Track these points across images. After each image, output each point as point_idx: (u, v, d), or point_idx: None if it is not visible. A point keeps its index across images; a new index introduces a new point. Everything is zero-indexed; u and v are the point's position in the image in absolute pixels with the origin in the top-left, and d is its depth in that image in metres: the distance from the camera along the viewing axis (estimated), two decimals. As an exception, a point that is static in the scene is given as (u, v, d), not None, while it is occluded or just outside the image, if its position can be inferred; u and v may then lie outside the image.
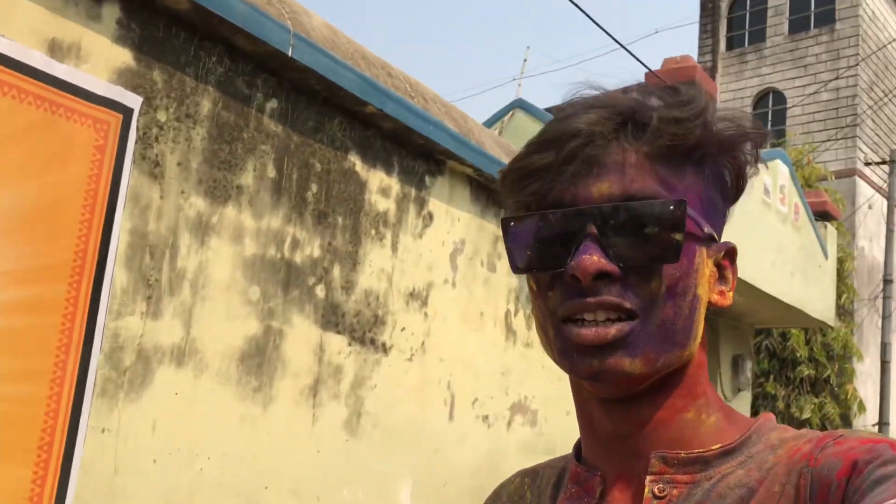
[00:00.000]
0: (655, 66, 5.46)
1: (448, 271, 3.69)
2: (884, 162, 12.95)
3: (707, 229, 0.67)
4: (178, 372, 2.47)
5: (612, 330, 0.63)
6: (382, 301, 3.30)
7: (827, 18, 14.26)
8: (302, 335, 2.91)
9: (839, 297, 11.98)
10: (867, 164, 13.39)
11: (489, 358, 3.96)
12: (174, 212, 2.48)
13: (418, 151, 3.50)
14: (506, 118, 5.61)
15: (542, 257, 0.67)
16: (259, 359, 2.75)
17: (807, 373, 11.61)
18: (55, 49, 2.18)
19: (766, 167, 6.18)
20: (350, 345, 3.13)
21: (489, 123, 5.56)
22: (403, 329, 3.41)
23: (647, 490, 0.65)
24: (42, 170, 2.14)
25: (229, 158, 2.66)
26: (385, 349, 3.31)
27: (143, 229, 2.39)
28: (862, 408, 12.11)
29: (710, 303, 0.69)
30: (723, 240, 0.73)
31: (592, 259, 0.63)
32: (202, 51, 2.58)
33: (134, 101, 2.37)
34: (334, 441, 3.04)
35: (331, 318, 3.04)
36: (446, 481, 3.62)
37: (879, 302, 12.68)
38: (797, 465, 0.62)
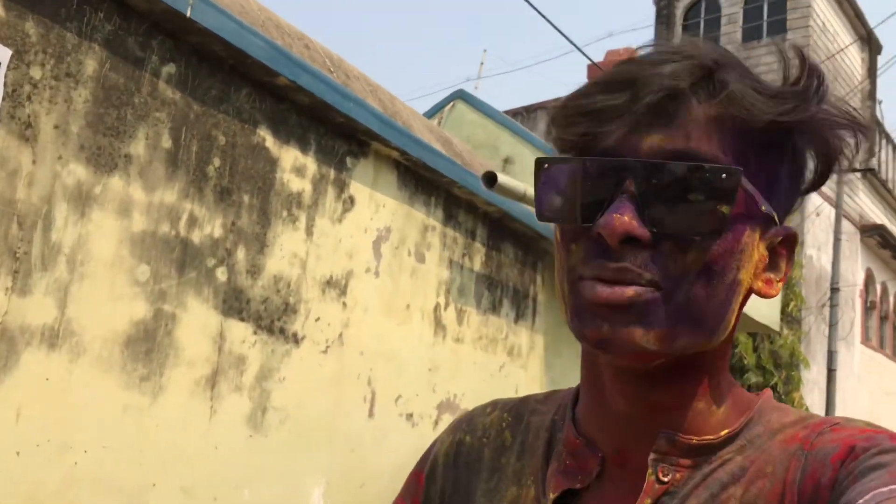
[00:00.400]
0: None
1: (370, 259, 3.49)
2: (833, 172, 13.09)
3: (765, 208, 0.61)
4: (49, 355, 2.24)
5: (630, 291, 0.57)
6: (294, 288, 3.09)
7: (779, 28, 14.37)
8: (199, 321, 2.69)
9: (787, 304, 12.04)
10: (816, 173, 13.52)
11: (415, 353, 3.76)
12: (49, 179, 2.25)
13: (338, 130, 3.30)
14: (446, 109, 5.44)
15: (571, 208, 0.61)
16: (148, 344, 2.52)
17: (754, 380, 11.63)
18: None
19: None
20: (255, 333, 2.91)
21: (430, 114, 5.39)
22: (318, 319, 3.21)
23: (649, 471, 0.62)
24: None
25: (117, 124, 2.44)
26: (296, 340, 3.10)
27: (9, 196, 2.15)
28: (808, 415, 12.18)
29: (752, 290, 0.63)
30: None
31: (623, 219, 0.56)
32: (87, 5, 2.36)
33: (2, 54, 2.14)
34: (235, 437, 2.82)
35: (233, 303, 2.83)
36: (364, 482, 3.41)
37: (826, 310, 12.77)
38: (792, 448, 0.60)
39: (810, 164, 0.65)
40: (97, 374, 2.36)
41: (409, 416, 3.72)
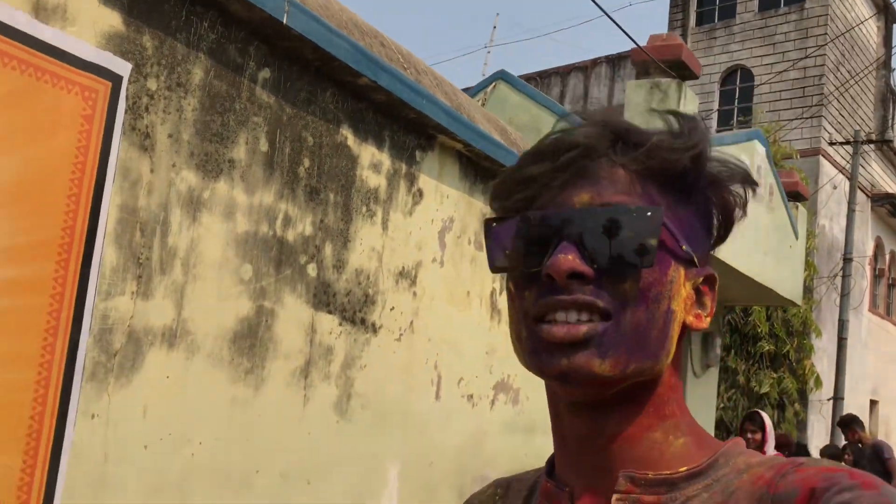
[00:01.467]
0: (626, 40, 5.40)
1: (436, 249, 3.61)
2: (847, 142, 13.14)
3: (685, 247, 0.68)
4: (169, 354, 2.36)
5: (584, 328, 0.64)
6: (373, 280, 3.22)
7: (796, -4, 14.32)
8: (294, 315, 2.81)
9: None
10: (831, 144, 13.57)
11: (474, 337, 3.90)
12: (165, 186, 2.35)
13: (410, 125, 3.40)
14: (488, 89, 5.51)
15: (519, 257, 0.69)
16: (251, 339, 2.65)
17: (767, 348, 11.84)
18: (39, 10, 2.03)
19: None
20: (341, 325, 3.04)
21: (472, 93, 5.46)
22: (392, 308, 3.33)
23: None
24: (27, 141, 2.00)
25: (221, 130, 2.54)
26: (375, 329, 3.23)
27: (132, 205, 2.26)
28: (819, 383, 12.41)
29: (685, 324, 0.70)
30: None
31: (567, 258, 0.64)
32: (194, 16, 2.44)
33: (123, 67, 2.23)
34: (325, 423, 2.97)
35: (322, 297, 2.95)
36: (432, 461, 3.57)
37: (838, 280, 12.93)
38: (758, 491, 0.63)
39: (715, 221, 0.73)
40: (209, 370, 2.49)
41: (470, 397, 3.87)
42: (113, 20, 2.20)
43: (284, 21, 2.60)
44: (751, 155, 6.20)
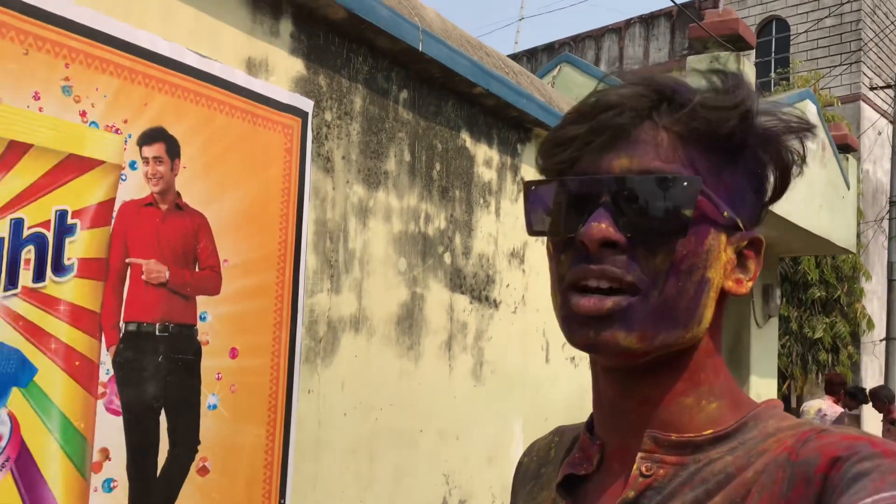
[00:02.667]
0: (661, 3, 5.69)
1: (539, 230, 4.07)
2: (888, 86, 13.25)
3: (727, 214, 0.67)
4: (355, 338, 2.86)
5: (609, 302, 0.64)
6: (491, 262, 3.69)
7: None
8: (437, 298, 3.30)
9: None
10: (872, 88, 13.69)
11: (572, 304, 4.37)
12: (343, 200, 2.84)
13: (512, 123, 3.84)
14: (554, 72, 5.90)
15: (556, 222, 0.69)
16: (409, 321, 3.14)
17: (818, 294, 12.15)
18: (251, 66, 2.51)
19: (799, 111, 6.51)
20: (471, 303, 3.53)
21: (539, 76, 5.86)
22: (508, 285, 3.81)
23: (635, 467, 0.68)
24: (251, 174, 2.49)
25: (377, 148, 3.01)
26: (496, 304, 3.71)
27: (323, 218, 2.75)
28: (871, 325, 12.70)
29: (724, 289, 0.69)
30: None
31: (600, 227, 0.64)
32: (351, 52, 2.90)
33: (307, 105, 2.70)
34: (465, 387, 3.47)
35: (456, 280, 3.43)
36: (547, 417, 4.07)
37: (885, 223, 13.15)
38: (779, 457, 0.63)
39: (771, 178, 0.71)
40: (383, 349, 2.99)
41: (572, 359, 4.35)
42: (298, 66, 2.67)
43: (420, 48, 3.05)
44: (803, 114, 6.53)
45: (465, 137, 3.53)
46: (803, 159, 0.70)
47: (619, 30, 16.57)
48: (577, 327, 0.67)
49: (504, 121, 3.79)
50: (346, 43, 2.88)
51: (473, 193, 3.58)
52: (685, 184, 0.64)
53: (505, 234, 3.80)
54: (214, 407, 2.35)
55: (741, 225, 0.68)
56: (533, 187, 0.72)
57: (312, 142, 2.71)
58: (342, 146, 2.85)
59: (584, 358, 4.45)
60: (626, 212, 0.65)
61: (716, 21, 5.29)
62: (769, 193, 0.72)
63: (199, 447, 2.29)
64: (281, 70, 2.61)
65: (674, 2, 5.30)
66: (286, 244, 2.60)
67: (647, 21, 16.25)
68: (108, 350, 2.08)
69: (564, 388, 4.26)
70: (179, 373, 2.26)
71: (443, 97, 3.37)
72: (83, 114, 2.04)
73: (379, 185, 3.01)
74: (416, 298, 3.19)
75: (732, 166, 0.68)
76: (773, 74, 13.88)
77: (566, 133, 0.69)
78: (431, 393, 3.25)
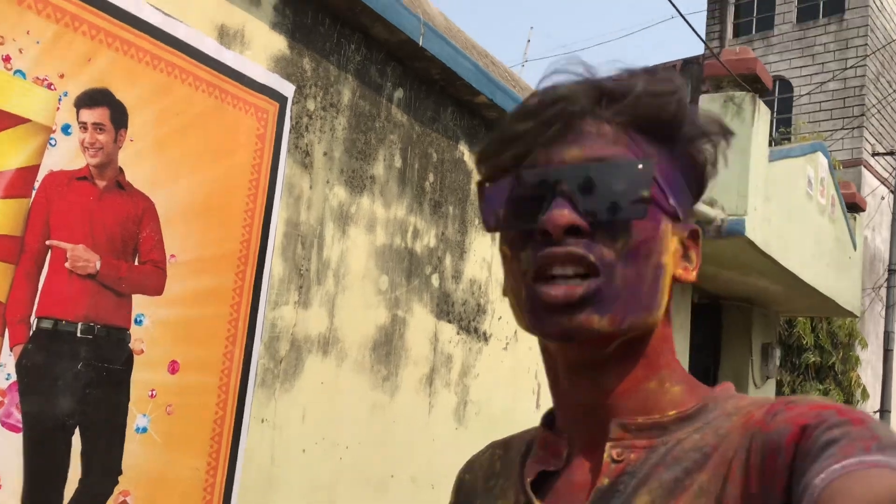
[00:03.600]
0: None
1: (537, 260, 3.71)
2: (891, 153, 13.12)
3: (672, 202, 0.69)
4: (323, 361, 2.48)
5: (580, 289, 0.64)
6: (484, 290, 3.32)
7: (836, 8, 14.34)
8: (420, 324, 2.92)
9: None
10: (874, 155, 13.56)
11: (568, 346, 3.99)
12: (321, 202, 2.47)
13: (516, 141, 3.51)
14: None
15: (514, 215, 0.68)
16: (387, 348, 2.75)
17: (812, 360, 11.78)
18: (223, 35, 2.16)
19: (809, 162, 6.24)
20: (458, 333, 3.15)
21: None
22: (500, 318, 3.43)
23: (605, 454, 0.67)
24: (214, 159, 2.12)
25: (364, 148, 2.66)
26: (486, 338, 3.33)
27: (295, 219, 2.38)
28: (865, 395, 12.34)
29: (674, 276, 0.71)
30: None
31: (563, 213, 0.64)
32: (343, 38, 2.57)
33: (288, 89, 2.35)
34: (445, 429, 3.07)
35: (443, 306, 3.05)
36: (534, 468, 3.66)
37: (882, 291, 12.88)
38: (750, 430, 0.63)
39: (704, 173, 0.72)
40: (354, 377, 2.60)
41: (565, 406, 3.96)
42: (280, 44, 2.33)
43: (420, 43, 2.72)
44: (815, 166, 6.25)
45: (464, 150, 3.18)
46: (715, 159, 0.72)
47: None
48: (547, 316, 0.66)
49: (507, 137, 3.45)
50: (338, 26, 2.54)
51: (468, 212, 3.22)
52: (640, 166, 0.66)
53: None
54: (144, 430, 1.95)
55: (681, 215, 0.70)
56: (486, 185, 0.71)
57: (290, 131, 2.36)
58: (325, 141, 2.49)
59: (577, 406, 4.06)
60: (585, 198, 0.66)
61: (733, 59, 5.02)
62: (694, 189, 0.73)
63: (119, 478, 1.89)
64: (259, 45, 2.27)
65: (713, 52, 4.99)
66: (249, 244, 2.22)
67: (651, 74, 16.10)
68: (10, 350, 1.69)
69: (554, 437, 3.85)
70: (103, 385, 1.86)
71: (442, 102, 3.04)
72: (6, 59, 1.68)
73: (364, 189, 2.65)
74: (397, 322, 2.80)
75: (671, 157, 0.69)
76: (775, 134, 13.74)
77: (514, 129, 0.69)
78: (407, 433, 2.85)
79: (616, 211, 0.65)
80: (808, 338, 11.59)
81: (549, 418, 0.77)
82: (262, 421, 2.27)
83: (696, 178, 0.72)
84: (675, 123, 0.68)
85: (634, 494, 0.64)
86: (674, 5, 5.20)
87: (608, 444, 0.67)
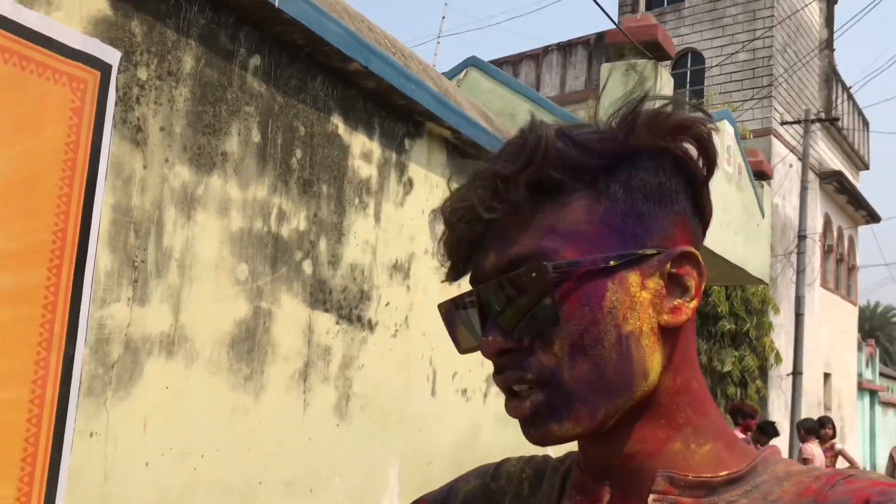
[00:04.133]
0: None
1: (428, 241, 3.49)
2: (799, 121, 13.36)
3: (614, 254, 0.62)
4: (168, 363, 2.20)
5: (527, 405, 0.63)
6: (367, 275, 3.08)
7: (744, -22, 14.49)
8: (291, 315, 2.67)
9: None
10: (783, 123, 13.79)
11: (466, 329, 3.79)
12: (159, 183, 2.19)
13: (398, 112, 3.26)
14: (460, 76, 5.39)
15: (465, 337, 0.69)
16: (249, 343, 2.50)
17: (728, 327, 12.01)
18: (21, -7, 1.85)
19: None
20: (338, 323, 2.91)
21: (444, 82, 5.33)
22: (388, 304, 3.21)
23: None
24: (13, 136, 1.82)
25: (213, 122, 2.37)
26: (371, 326, 3.10)
27: (126, 204, 2.09)
28: (778, 359, 12.65)
29: (660, 326, 0.63)
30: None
31: (488, 340, 0.63)
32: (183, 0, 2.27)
33: (112, 56, 2.05)
34: (325, 427, 2.83)
35: (318, 295, 2.81)
36: (430, 459, 3.47)
37: (793, 257, 13.17)
38: (805, 500, 0.59)
39: (674, 185, 0.64)
40: (209, 378, 2.34)
41: (464, 391, 3.77)
42: (100, 4, 2.02)
43: (276, 4, 2.45)
44: (721, 135, 6.21)
45: (338, 123, 2.92)
46: (709, 147, 0.65)
47: (536, 56, 16.31)
48: (521, 427, 0.65)
49: (389, 109, 3.21)
50: (175, -16, 2.25)
51: (346, 191, 2.97)
52: (532, 274, 0.61)
53: (386, 242, 3.21)
54: (-71, 458, 1.66)
55: (652, 249, 0.62)
56: (442, 310, 0.72)
57: (117, 104, 2.06)
58: (162, 114, 2.20)
59: (476, 391, 3.88)
60: (500, 318, 0.63)
61: (634, 26, 4.87)
62: (680, 201, 0.65)
63: None
64: (72, 5, 1.96)
65: (612, 20, 4.84)
66: (66, 234, 1.93)
67: (565, 49, 16.06)
68: None
69: (453, 424, 3.66)
70: None
71: (309, 71, 2.77)
72: None
73: (213, 168, 2.37)
74: (261, 315, 2.55)
75: (603, 197, 0.62)
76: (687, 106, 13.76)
77: (445, 242, 0.69)
78: (276, 435, 2.60)
79: (532, 325, 0.62)
80: (722, 306, 11.80)
81: (577, 453, 0.73)
82: (91, 435, 1.99)
83: (670, 191, 0.63)
84: (581, 168, 0.62)
85: None
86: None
87: (651, 498, 0.63)
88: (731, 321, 11.93)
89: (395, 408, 3.24)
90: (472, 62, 5.42)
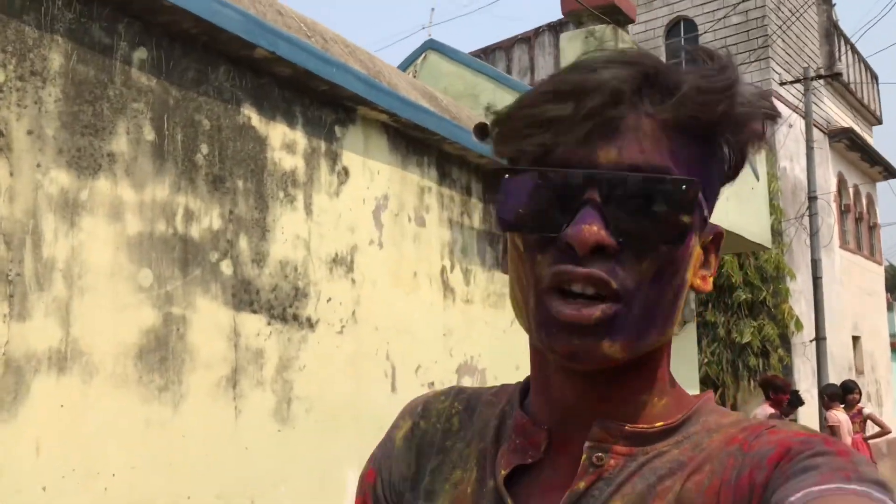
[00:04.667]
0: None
1: (373, 230, 3.33)
2: (798, 80, 13.02)
3: (706, 213, 0.64)
4: (60, 381, 2.07)
5: (597, 311, 0.60)
6: (302, 271, 2.93)
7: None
8: (210, 320, 2.53)
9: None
10: (782, 83, 13.44)
11: (428, 320, 3.64)
12: (30, 191, 2.05)
13: (323, 99, 3.11)
14: (419, 61, 5.23)
15: (536, 218, 0.62)
16: (161, 353, 2.35)
17: (744, 297, 11.71)
18: None
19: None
20: (269, 324, 2.76)
21: (402, 67, 5.17)
22: (330, 300, 3.06)
23: (584, 456, 0.64)
24: None
25: (94, 122, 2.24)
26: (311, 324, 2.95)
27: (-9, 215, 1.96)
28: (799, 325, 12.32)
29: (691, 286, 0.66)
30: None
31: (592, 230, 0.59)
32: (43, -7, 2.14)
33: (-42, 58, 1.92)
34: (263, 434, 2.68)
35: (243, 296, 2.66)
36: (396, 459, 3.31)
37: (806, 220, 12.83)
38: (730, 448, 0.62)
39: (735, 165, 0.66)
40: (112, 392, 2.20)
41: (431, 384, 3.61)
42: (-64, 4, 1.90)
43: (154, -9, 2.31)
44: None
45: (250, 114, 2.78)
46: (763, 140, 0.65)
47: (528, 39, 16.07)
48: (557, 333, 0.61)
49: (311, 96, 3.06)
50: (32, -22, 2.12)
51: (268, 185, 2.82)
52: (684, 187, 0.60)
53: (322, 235, 3.05)
54: None
55: (707, 219, 0.65)
56: (507, 175, 0.63)
57: (-31, 109, 1.93)
58: (28, 117, 2.07)
59: (445, 383, 3.71)
60: (618, 214, 0.60)
61: (594, -7, 4.68)
62: (725, 179, 0.67)
63: None
64: None
65: None
66: (-84, 252, 1.80)
67: (556, 28, 15.80)
68: None
69: (421, 421, 3.50)
70: None
71: (208, 60, 2.62)
72: None
73: (99, 170, 2.23)
74: (173, 322, 2.40)
75: (707, 155, 0.63)
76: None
77: (544, 112, 0.61)
78: (204, 446, 2.46)
79: (651, 233, 0.60)
80: (736, 276, 11.49)
81: (524, 393, 0.73)
82: (-30, 464, 1.86)
83: (732, 169, 0.66)
84: (720, 123, 0.61)
85: (608, 502, 0.63)
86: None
87: (587, 445, 0.65)
88: (746, 291, 11.61)
89: (348, 408, 3.08)
90: (430, 45, 5.26)
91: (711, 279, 0.68)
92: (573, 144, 0.61)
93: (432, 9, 17.58)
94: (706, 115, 0.61)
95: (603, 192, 0.59)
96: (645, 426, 0.65)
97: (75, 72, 2.19)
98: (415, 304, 3.55)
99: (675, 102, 0.60)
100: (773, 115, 0.65)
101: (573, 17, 4.79)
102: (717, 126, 0.62)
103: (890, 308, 20.65)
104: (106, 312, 2.20)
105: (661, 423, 0.65)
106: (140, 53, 2.39)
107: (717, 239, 0.68)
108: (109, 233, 2.24)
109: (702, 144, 0.62)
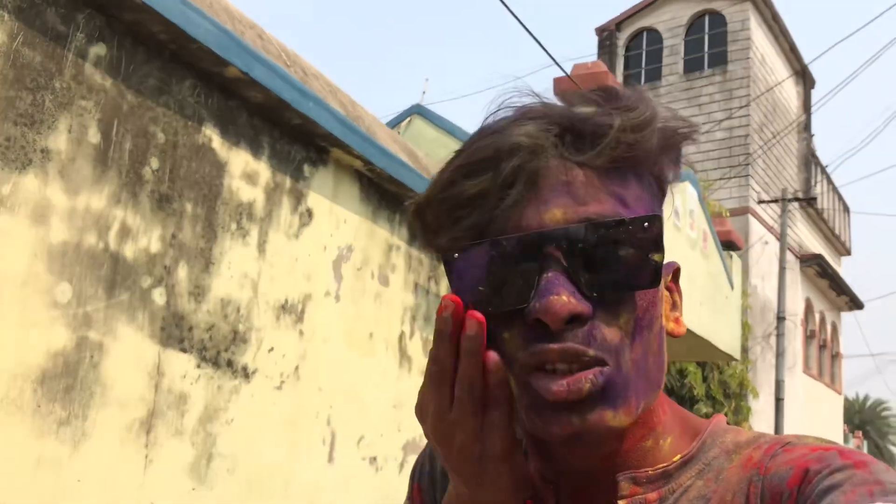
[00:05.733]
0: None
1: (331, 282, 3.08)
2: (776, 200, 13.17)
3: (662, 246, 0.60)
4: (-65, 396, 1.76)
5: (586, 384, 0.55)
6: (245, 314, 2.66)
7: (720, 60, 14.54)
8: (131, 352, 2.24)
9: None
10: (760, 202, 13.60)
11: (379, 388, 3.35)
12: (-60, 173, 1.80)
13: (295, 133, 2.91)
14: (403, 124, 5.09)
15: (497, 293, 0.57)
16: (68, 380, 2.06)
17: (704, 410, 11.48)
18: None
19: (674, 192, 5.89)
20: (199, 367, 2.47)
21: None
22: (272, 350, 2.78)
23: None
24: None
25: (32, 111, 2.00)
26: (247, 374, 2.66)
27: None
28: (758, 445, 12.09)
29: (667, 332, 0.63)
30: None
31: (562, 300, 0.54)
32: (-5, -35, 1.93)
33: None
34: (175, 490, 2.36)
35: (173, 331, 2.38)
36: (324, 537, 2.97)
37: (772, 340, 12.76)
38: (748, 473, 0.60)
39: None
40: (4, 420, 1.89)
41: (373, 459, 3.29)
42: None
43: (122, -16, 2.11)
44: (684, 198, 5.89)
45: (212, 135, 2.56)
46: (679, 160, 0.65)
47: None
48: (552, 415, 0.57)
49: (282, 128, 2.85)
50: (-14, -54, 1.91)
51: (220, 214, 2.58)
52: (646, 224, 0.56)
53: (273, 278, 2.80)
54: None
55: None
56: (455, 257, 0.59)
57: None
58: (-48, 92, 1.83)
59: (389, 460, 3.40)
60: (584, 271, 0.56)
61: (584, 73, 4.60)
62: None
63: None
64: None
65: (561, 67, 4.56)
66: None
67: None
68: None
69: (356, 498, 3.18)
70: None
71: (173, 70, 2.42)
72: None
73: (28, 165, 1.98)
74: (88, 348, 2.11)
75: (642, 187, 0.61)
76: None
77: (465, 190, 0.58)
78: (103, 495, 2.13)
79: (625, 281, 0.56)
80: (699, 388, 11.30)
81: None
82: None
83: (659, 197, 0.63)
84: (651, 156, 0.59)
85: None
86: (554, 60, 4.74)
87: (621, 503, 0.61)
88: (707, 404, 11.40)
89: (277, 474, 2.76)
90: (416, 110, 5.14)
91: (683, 320, 0.65)
92: (507, 214, 0.57)
93: (423, 92, 17.79)
94: (641, 152, 0.58)
95: (563, 250, 0.55)
96: (665, 465, 0.62)
97: (19, 54, 1.97)
98: (367, 368, 3.27)
99: (606, 146, 0.57)
100: (693, 131, 0.62)
101: (564, 98, 4.70)
102: (649, 159, 0.60)
103: (846, 440, 20.53)
104: (10, 326, 1.91)
105: (678, 456, 0.63)
106: (98, 49, 2.18)
107: (676, 275, 0.66)
108: (29, 236, 1.97)
109: (637, 180, 0.60)
